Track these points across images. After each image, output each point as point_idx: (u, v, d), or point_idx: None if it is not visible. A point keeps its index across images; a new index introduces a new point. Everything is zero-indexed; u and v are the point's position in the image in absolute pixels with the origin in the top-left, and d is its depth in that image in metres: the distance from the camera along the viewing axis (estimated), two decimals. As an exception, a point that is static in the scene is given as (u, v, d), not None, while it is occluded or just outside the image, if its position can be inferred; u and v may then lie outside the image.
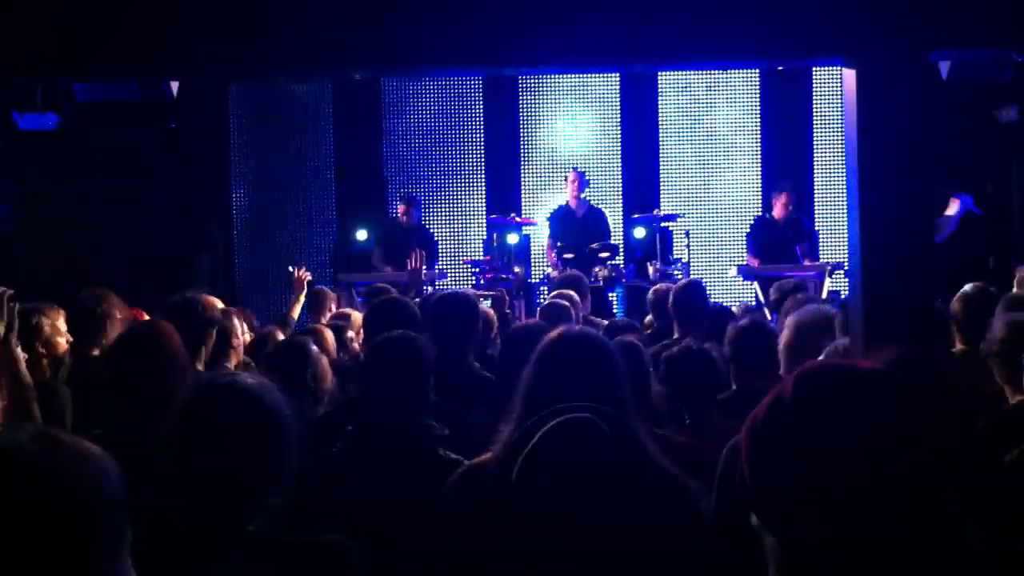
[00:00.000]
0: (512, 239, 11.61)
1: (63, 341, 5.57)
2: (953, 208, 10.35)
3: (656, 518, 2.90)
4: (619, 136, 13.10)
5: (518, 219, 11.94)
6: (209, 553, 2.59)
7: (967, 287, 5.65)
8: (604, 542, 2.84)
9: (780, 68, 12.04)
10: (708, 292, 7.13)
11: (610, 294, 11.36)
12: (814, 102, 12.92)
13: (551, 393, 3.13)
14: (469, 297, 5.58)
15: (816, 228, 12.47)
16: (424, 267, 9.59)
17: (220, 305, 5.59)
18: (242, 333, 5.72)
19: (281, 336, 6.39)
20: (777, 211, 11.64)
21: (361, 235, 12.23)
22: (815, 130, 12.95)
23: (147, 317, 6.81)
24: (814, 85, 12.84)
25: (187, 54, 4.77)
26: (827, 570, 1.68)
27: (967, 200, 10.38)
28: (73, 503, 1.54)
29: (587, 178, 12.09)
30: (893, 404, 1.73)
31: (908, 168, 4.42)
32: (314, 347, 4.97)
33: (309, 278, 8.06)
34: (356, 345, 6.49)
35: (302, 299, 7.91)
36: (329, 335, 6.14)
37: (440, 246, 12.48)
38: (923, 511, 1.68)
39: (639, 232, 11.71)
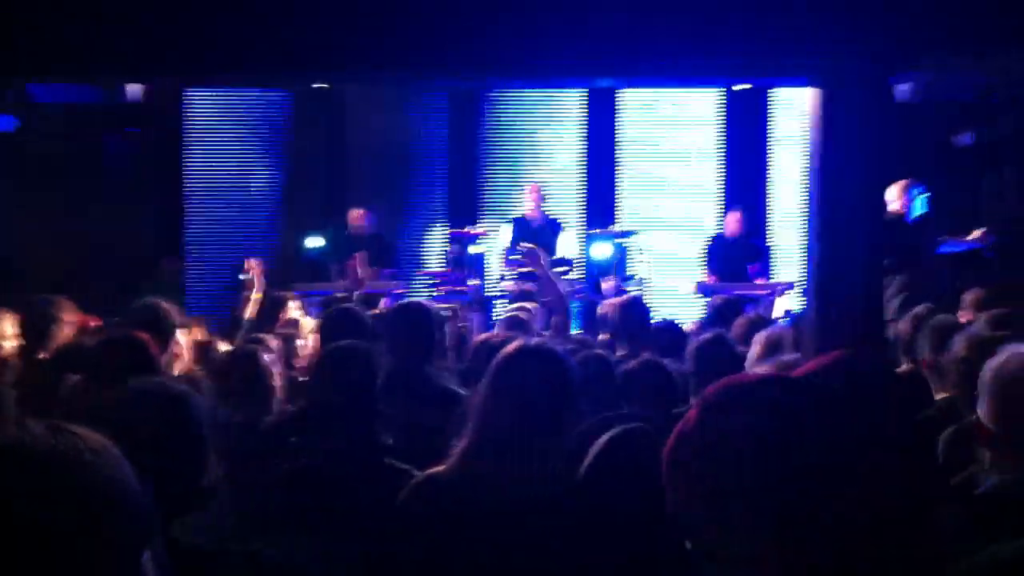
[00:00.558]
0: (471, 252, 11.57)
1: (7, 345, 5.54)
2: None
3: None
4: (584, 151, 13.09)
5: (476, 232, 11.90)
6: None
7: (918, 308, 5.69)
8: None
9: (740, 88, 12.11)
10: (650, 309, 7.11)
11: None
12: (770, 123, 12.99)
13: (508, 404, 3.11)
14: (427, 307, 5.54)
15: (769, 247, 12.54)
16: (368, 273, 9.52)
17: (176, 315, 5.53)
18: (192, 343, 5.66)
19: (223, 345, 6.32)
20: (730, 230, 11.74)
21: (312, 242, 12.07)
22: (771, 150, 13.02)
23: (97, 323, 6.74)
24: (769, 106, 12.92)
25: (143, 56, 4.73)
26: None
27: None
28: (96, 500, 1.48)
29: (543, 194, 12.06)
30: (794, 411, 1.70)
31: (868, 184, 4.45)
32: (264, 356, 4.92)
33: (260, 269, 7.70)
34: (306, 354, 6.41)
35: (256, 297, 7.66)
36: (276, 344, 6.07)
37: (399, 255, 12.41)
38: (846, 521, 1.65)
39: (598, 249, 11.68)
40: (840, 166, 4.45)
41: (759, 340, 5.09)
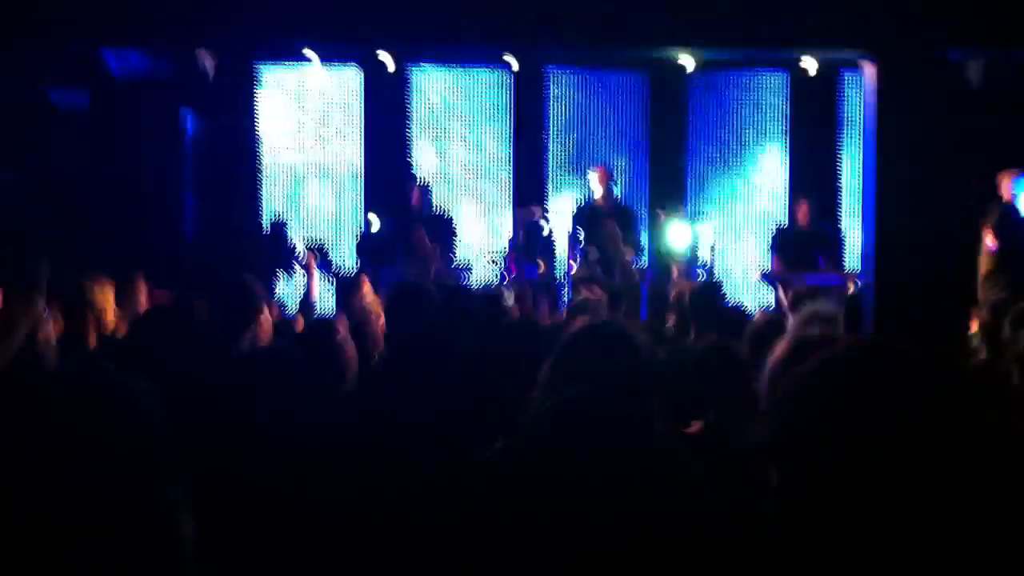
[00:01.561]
0: (538, 236, 11.62)
1: (112, 313, 5.67)
2: None
3: (665, 504, 2.93)
4: (647, 134, 13.10)
5: (545, 213, 11.96)
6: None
7: (995, 297, 5.65)
8: (609, 523, 2.87)
9: (805, 70, 12.05)
10: (725, 294, 7.14)
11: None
12: (844, 110, 12.88)
13: (575, 382, 3.16)
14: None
15: (842, 236, 12.46)
16: (436, 253, 9.66)
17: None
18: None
19: (303, 322, 6.46)
20: (800, 220, 11.69)
21: (375, 223, 12.22)
22: (844, 138, 12.92)
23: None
24: (845, 93, 12.81)
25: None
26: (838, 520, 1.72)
27: None
28: (122, 433, 1.62)
29: (614, 177, 12.10)
30: (935, 391, 1.76)
31: (926, 160, 4.45)
32: (340, 329, 5.03)
33: (313, 256, 8.02)
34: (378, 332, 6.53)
35: (317, 279, 7.87)
36: (345, 325, 6.19)
37: (465, 238, 12.52)
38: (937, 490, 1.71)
39: (676, 233, 11.63)
40: (896, 143, 4.45)
41: (797, 319, 5.09)
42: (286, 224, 12.01)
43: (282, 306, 7.17)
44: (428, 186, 12.07)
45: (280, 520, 2.67)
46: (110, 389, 1.66)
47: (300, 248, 8.04)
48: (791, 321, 5.11)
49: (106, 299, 5.60)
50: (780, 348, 3.15)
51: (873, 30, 4.55)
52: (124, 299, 5.88)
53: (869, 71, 4.62)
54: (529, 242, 11.55)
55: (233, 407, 2.67)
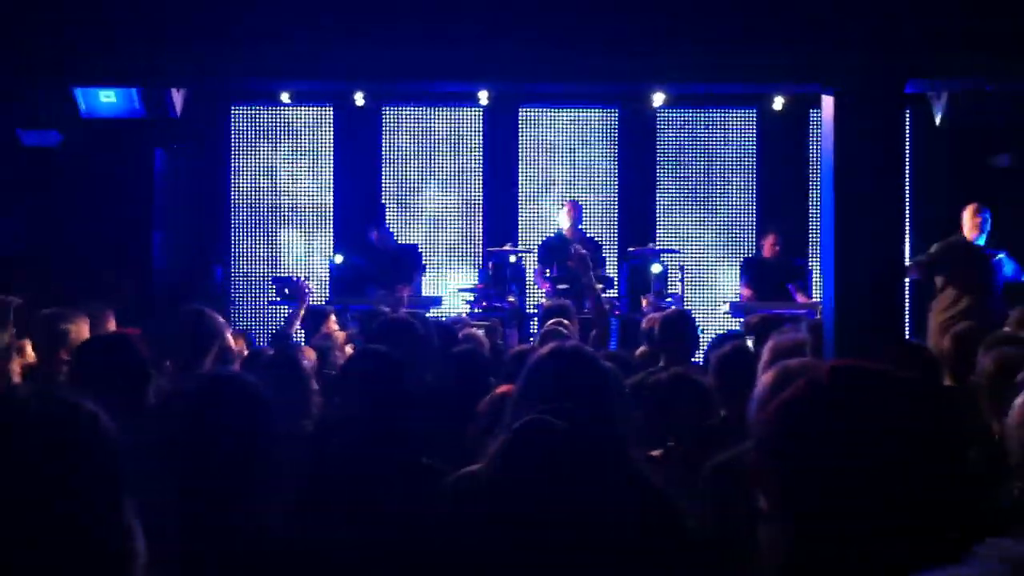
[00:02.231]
0: (507, 268, 11.68)
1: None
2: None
3: (638, 527, 2.95)
4: (616, 170, 13.23)
5: (514, 249, 12.02)
6: (204, 545, 2.62)
7: (959, 326, 5.72)
8: (583, 544, 2.89)
9: (774, 107, 12.19)
10: (695, 323, 7.16)
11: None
12: (811, 141, 13.03)
13: (540, 405, 3.19)
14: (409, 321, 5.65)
15: (810, 267, 12.57)
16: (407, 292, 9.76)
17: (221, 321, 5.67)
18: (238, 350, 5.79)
19: (244, 348, 6.48)
20: (766, 252, 11.81)
21: (336, 259, 12.32)
22: (811, 170, 13.06)
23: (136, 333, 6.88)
24: (811, 126, 12.95)
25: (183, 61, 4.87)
26: (830, 557, 1.72)
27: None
28: (77, 457, 1.61)
29: (583, 212, 12.18)
30: (922, 411, 1.79)
31: (883, 191, 4.52)
32: (305, 362, 5.05)
33: (305, 286, 8.05)
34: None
35: (302, 312, 7.89)
36: (311, 354, 6.22)
37: (436, 274, 12.60)
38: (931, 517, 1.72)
39: (655, 268, 11.70)
40: (854, 174, 4.52)
41: (768, 348, 5.12)
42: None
43: (250, 337, 7.16)
44: (385, 224, 12.19)
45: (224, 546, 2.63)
46: (68, 410, 1.66)
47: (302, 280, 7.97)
48: (763, 353, 5.14)
49: (79, 334, 5.59)
50: (767, 378, 3.17)
51: (829, 62, 4.62)
52: (94, 334, 5.88)
53: (827, 104, 4.69)
54: (498, 275, 11.60)
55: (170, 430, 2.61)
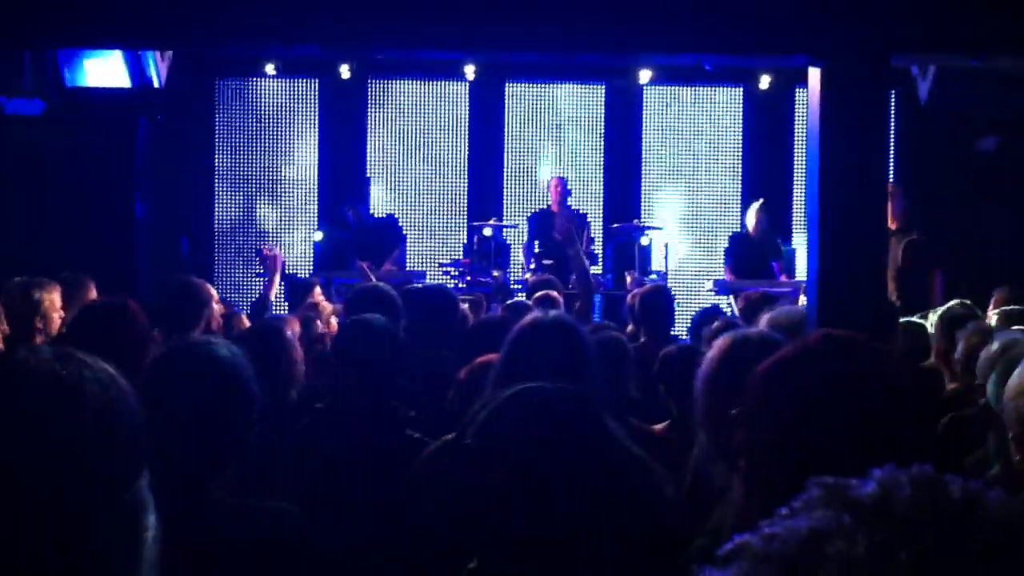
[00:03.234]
0: (492, 243, 11.68)
1: (57, 317, 5.64)
2: None
3: (617, 493, 2.95)
4: (603, 146, 13.22)
5: (499, 223, 12.02)
6: (173, 513, 2.61)
7: (951, 303, 5.78)
8: (563, 510, 2.89)
9: (761, 83, 12.21)
10: (673, 298, 7.16)
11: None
12: (796, 121, 13.03)
13: (522, 375, 3.19)
14: (447, 290, 5.65)
15: (794, 247, 12.58)
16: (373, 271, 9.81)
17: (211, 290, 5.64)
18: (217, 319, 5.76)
19: (247, 321, 6.45)
20: (751, 225, 11.79)
21: (316, 236, 12.30)
22: (796, 149, 13.07)
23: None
24: (796, 104, 12.96)
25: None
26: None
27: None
28: (99, 425, 1.51)
29: (569, 187, 12.17)
30: (904, 379, 1.80)
31: (867, 164, 4.53)
32: (288, 332, 5.02)
33: (280, 255, 7.96)
34: (328, 335, 6.53)
35: (277, 280, 7.83)
36: (296, 325, 6.19)
37: (420, 248, 12.59)
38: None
39: (643, 241, 11.74)
40: (839, 150, 4.52)
41: (763, 322, 5.13)
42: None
43: (233, 307, 7.13)
44: (361, 201, 12.20)
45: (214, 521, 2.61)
46: (89, 378, 1.53)
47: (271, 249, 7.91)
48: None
49: (52, 302, 5.57)
50: (716, 348, 3.15)
51: (817, 34, 4.62)
52: (73, 302, 5.85)
53: (813, 76, 4.69)
54: (483, 250, 11.60)
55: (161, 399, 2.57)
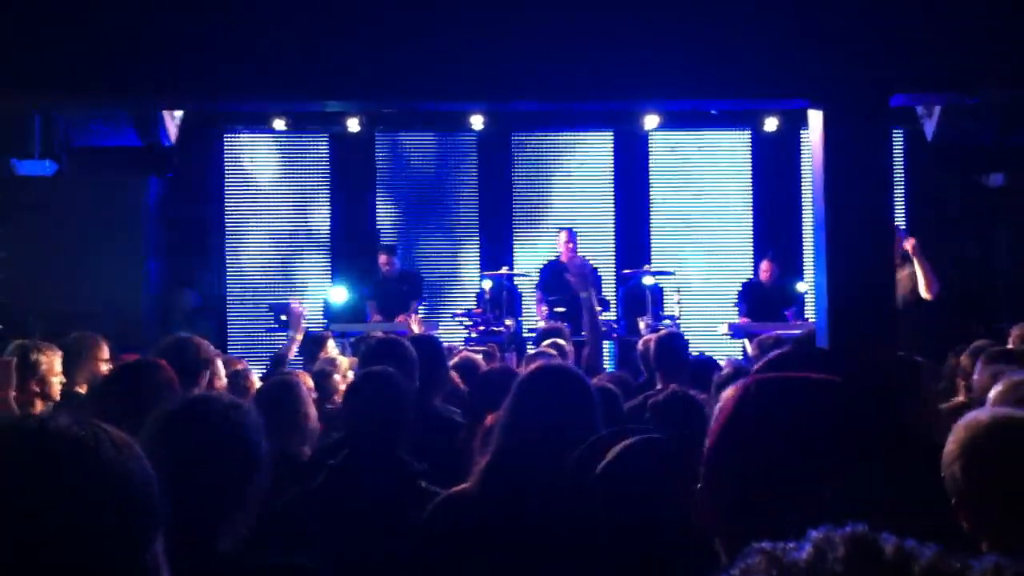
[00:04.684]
0: (504, 293, 11.69)
1: (56, 381, 5.64)
2: None
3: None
4: (612, 193, 13.25)
5: (511, 273, 12.04)
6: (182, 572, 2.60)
7: (978, 343, 5.79)
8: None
9: (767, 125, 12.25)
10: (690, 345, 7.17)
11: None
12: (804, 162, 13.05)
13: (528, 421, 3.19)
14: (432, 339, 5.65)
15: (805, 292, 12.57)
16: (413, 315, 9.73)
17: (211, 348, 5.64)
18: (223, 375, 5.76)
19: (255, 380, 6.45)
20: (762, 277, 11.86)
21: (338, 295, 12.18)
22: (805, 190, 13.08)
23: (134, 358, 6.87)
24: (803, 145, 12.98)
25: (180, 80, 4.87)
26: None
27: None
28: (118, 490, 1.53)
29: (577, 238, 12.18)
30: (835, 411, 1.79)
31: (873, 204, 4.53)
32: (303, 387, 5.03)
33: (303, 312, 7.99)
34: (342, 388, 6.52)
35: (299, 338, 7.86)
36: (309, 380, 6.19)
37: (432, 296, 12.61)
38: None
39: (646, 280, 11.73)
40: (843, 191, 4.53)
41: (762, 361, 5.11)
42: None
43: (242, 363, 7.12)
44: (395, 247, 12.16)
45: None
46: (105, 442, 1.55)
47: (296, 306, 7.91)
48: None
49: (50, 366, 5.57)
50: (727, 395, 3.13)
51: (816, 77, 4.64)
52: (82, 361, 5.87)
53: (815, 118, 4.70)
54: (495, 300, 11.61)
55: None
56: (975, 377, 5.03)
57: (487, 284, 11.63)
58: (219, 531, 2.64)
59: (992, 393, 3.91)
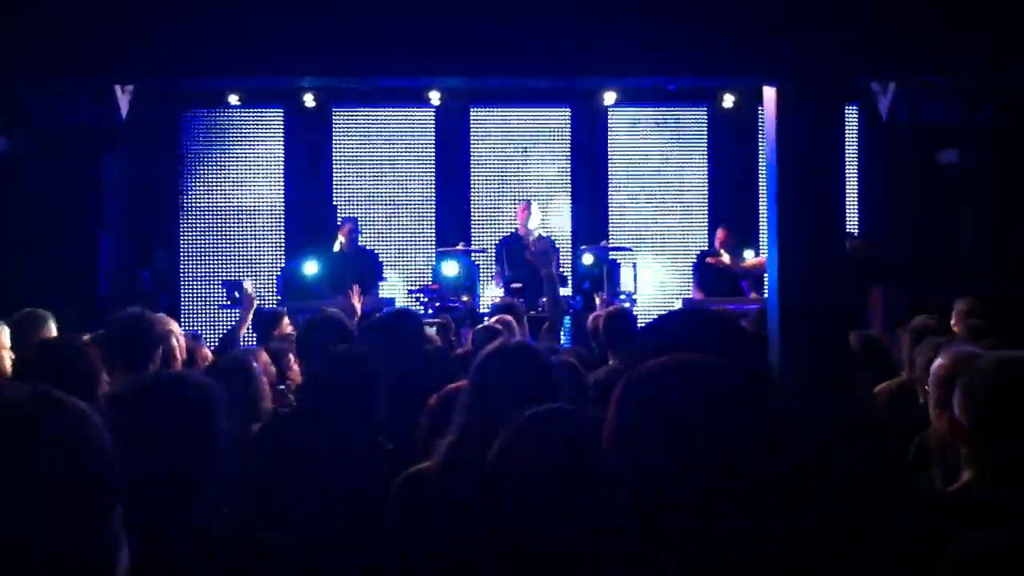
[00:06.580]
0: (460, 268, 11.67)
1: (6, 355, 5.59)
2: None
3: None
4: (569, 168, 13.25)
5: (467, 248, 12.01)
6: (160, 546, 2.59)
7: (916, 320, 5.81)
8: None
9: (725, 102, 12.28)
10: (636, 318, 7.19)
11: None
12: (761, 138, 13.09)
13: (491, 402, 3.19)
14: (409, 312, 5.65)
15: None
16: (361, 297, 9.69)
17: (171, 324, 5.59)
18: (181, 352, 5.72)
19: (208, 353, 6.41)
20: (718, 247, 11.88)
21: (310, 268, 12.08)
22: (761, 166, 13.12)
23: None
24: (760, 122, 13.02)
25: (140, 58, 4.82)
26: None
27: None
28: (77, 461, 1.51)
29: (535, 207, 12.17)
30: (726, 395, 1.79)
31: (824, 183, 4.57)
32: (255, 364, 5.00)
33: (255, 295, 7.96)
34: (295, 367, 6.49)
35: (250, 317, 7.84)
36: (265, 357, 6.15)
37: (388, 274, 12.54)
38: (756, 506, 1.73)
39: (587, 259, 11.74)
40: (797, 166, 4.56)
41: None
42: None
43: (197, 337, 7.06)
44: (356, 222, 12.07)
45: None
46: (65, 411, 1.54)
47: (248, 286, 7.87)
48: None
49: None
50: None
51: (770, 54, 4.66)
52: (31, 339, 5.80)
53: (770, 97, 4.73)
54: (451, 275, 11.59)
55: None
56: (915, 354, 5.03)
57: (451, 270, 11.58)
58: (194, 506, 2.64)
59: (934, 366, 3.97)
